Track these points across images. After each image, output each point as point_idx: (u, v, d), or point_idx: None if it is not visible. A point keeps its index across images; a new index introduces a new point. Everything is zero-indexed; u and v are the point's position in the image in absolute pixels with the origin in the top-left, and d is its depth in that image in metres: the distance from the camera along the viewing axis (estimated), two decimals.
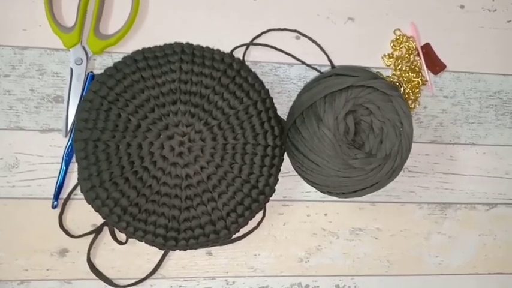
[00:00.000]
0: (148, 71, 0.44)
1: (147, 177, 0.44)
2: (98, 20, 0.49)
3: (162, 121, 0.44)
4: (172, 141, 0.44)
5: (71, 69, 0.49)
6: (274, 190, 0.46)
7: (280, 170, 0.47)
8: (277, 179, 0.46)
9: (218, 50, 0.46)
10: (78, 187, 0.46)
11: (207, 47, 0.46)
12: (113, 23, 0.50)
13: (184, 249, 0.45)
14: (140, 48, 0.46)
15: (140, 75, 0.44)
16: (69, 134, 0.49)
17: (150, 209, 0.44)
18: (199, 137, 0.44)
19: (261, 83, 0.46)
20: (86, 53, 0.49)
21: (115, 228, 0.48)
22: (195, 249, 0.46)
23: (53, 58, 0.49)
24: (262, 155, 0.45)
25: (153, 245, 0.45)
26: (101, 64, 0.50)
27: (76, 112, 0.48)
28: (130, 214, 0.43)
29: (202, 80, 0.44)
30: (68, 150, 0.49)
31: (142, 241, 0.44)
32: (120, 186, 0.43)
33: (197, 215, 0.44)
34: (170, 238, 0.44)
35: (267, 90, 0.47)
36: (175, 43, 0.46)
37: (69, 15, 0.49)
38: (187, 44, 0.46)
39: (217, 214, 0.44)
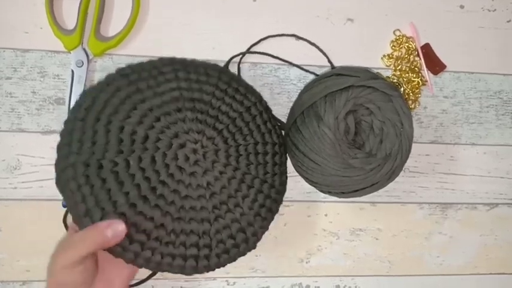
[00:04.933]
0: (143, 83, 0.42)
1: (168, 193, 0.39)
2: (98, 23, 0.50)
3: (170, 129, 0.40)
4: (185, 150, 0.40)
5: (72, 72, 0.49)
6: (285, 189, 0.46)
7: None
8: (287, 177, 0.46)
9: (205, 62, 0.46)
10: None
11: (193, 59, 0.46)
12: (114, 25, 0.51)
13: (214, 269, 0.42)
14: (124, 65, 0.44)
15: (136, 87, 0.41)
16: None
17: (177, 229, 0.39)
18: (212, 142, 0.41)
19: (251, 86, 0.47)
20: (87, 55, 0.49)
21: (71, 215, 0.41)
22: (224, 266, 0.42)
23: (54, 60, 0.50)
24: (272, 153, 0.44)
25: (181, 272, 0.40)
26: (101, 66, 0.50)
27: (62, 134, 0.41)
28: (156, 239, 0.39)
29: (202, 87, 0.43)
30: None
31: (166, 270, 0.40)
32: (140, 207, 0.38)
33: (227, 224, 0.41)
34: (203, 257, 0.40)
35: (259, 93, 0.47)
36: (161, 58, 0.45)
37: (70, 17, 0.50)
38: (174, 58, 0.45)
39: (246, 219, 0.42)
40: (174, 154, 0.40)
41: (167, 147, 0.40)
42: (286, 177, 0.46)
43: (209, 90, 0.43)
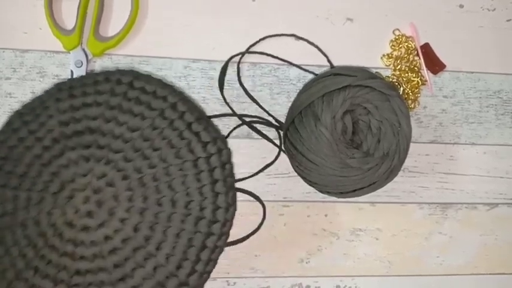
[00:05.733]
0: (24, 129, 0.36)
1: (57, 258, 0.33)
2: (97, 23, 0.50)
3: (54, 182, 0.34)
4: (75, 201, 0.33)
5: (72, 72, 0.49)
6: (235, 208, 0.36)
7: (232, 181, 0.37)
8: (233, 193, 0.36)
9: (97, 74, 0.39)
10: None
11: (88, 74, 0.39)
12: (113, 25, 0.51)
13: None
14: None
15: (17, 136, 0.36)
16: None
17: None
18: (105, 181, 0.33)
19: (169, 84, 0.39)
20: (86, 56, 0.49)
21: None
22: None
23: (53, 61, 0.50)
24: (195, 173, 0.34)
25: None
26: (101, 66, 0.50)
27: None
28: None
29: (86, 113, 0.35)
30: None
31: None
32: (30, 281, 0.33)
33: (137, 283, 0.33)
34: None
35: (180, 90, 0.38)
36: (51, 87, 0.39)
37: (69, 18, 0.50)
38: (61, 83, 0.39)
39: (164, 272, 0.33)
40: (62, 210, 0.33)
41: (51, 205, 0.34)
42: (231, 194, 0.36)
43: (96, 113, 0.35)
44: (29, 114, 0.37)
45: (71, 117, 0.35)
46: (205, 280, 0.35)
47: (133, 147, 0.34)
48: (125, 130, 0.34)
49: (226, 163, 0.36)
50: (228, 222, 0.36)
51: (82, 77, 0.39)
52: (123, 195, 0.33)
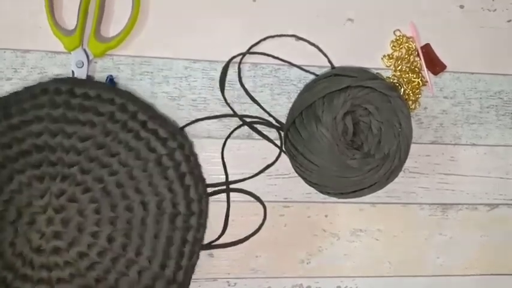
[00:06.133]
0: None
1: (31, 286, 0.31)
2: (98, 23, 0.50)
3: (11, 206, 0.31)
4: (37, 225, 0.31)
5: (73, 72, 0.49)
6: (207, 198, 0.34)
7: (199, 172, 0.35)
8: (202, 183, 0.35)
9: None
10: None
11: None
12: (114, 25, 0.51)
13: None
14: None
15: None
16: None
17: None
18: (66, 199, 0.31)
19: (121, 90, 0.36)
20: (87, 56, 0.49)
21: None
22: None
23: (54, 61, 0.50)
24: (160, 171, 0.32)
25: None
26: (102, 67, 0.50)
27: None
28: None
29: (48, 125, 0.33)
30: None
31: None
32: None
33: None
34: None
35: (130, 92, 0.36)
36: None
37: (70, 18, 0.50)
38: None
39: (149, 275, 0.33)
40: (25, 237, 0.31)
41: (12, 234, 0.31)
42: (204, 185, 0.35)
43: (39, 129, 0.33)
44: None
45: (12, 138, 0.33)
46: (192, 273, 0.35)
47: (88, 157, 0.32)
48: (76, 141, 0.32)
49: (190, 155, 0.35)
50: (203, 213, 0.35)
51: (16, 92, 0.36)
52: (89, 209, 0.31)
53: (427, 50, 0.55)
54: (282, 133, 0.52)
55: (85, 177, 0.31)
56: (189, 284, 0.36)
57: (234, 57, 0.52)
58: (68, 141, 0.32)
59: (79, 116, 0.33)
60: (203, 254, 0.52)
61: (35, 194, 0.31)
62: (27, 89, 0.35)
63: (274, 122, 0.53)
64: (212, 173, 0.50)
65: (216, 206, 0.50)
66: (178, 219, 0.34)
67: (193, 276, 0.52)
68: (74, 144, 0.32)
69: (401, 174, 0.51)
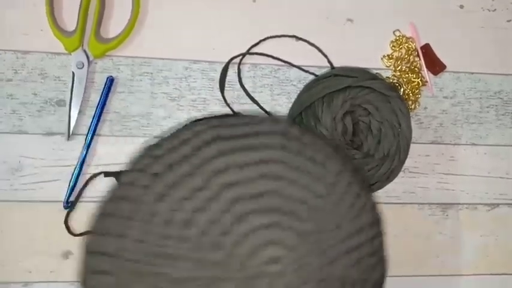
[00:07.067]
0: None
1: None
2: (98, 24, 0.50)
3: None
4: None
5: (73, 73, 0.49)
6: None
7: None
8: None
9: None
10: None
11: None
12: (114, 26, 0.51)
13: None
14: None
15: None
16: (87, 139, 0.50)
17: None
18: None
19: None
20: (87, 57, 0.49)
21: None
22: None
23: (54, 62, 0.50)
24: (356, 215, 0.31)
25: None
26: (102, 68, 0.51)
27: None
28: None
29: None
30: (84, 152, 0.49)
31: None
32: None
33: None
34: None
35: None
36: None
37: (70, 19, 0.50)
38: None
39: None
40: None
41: None
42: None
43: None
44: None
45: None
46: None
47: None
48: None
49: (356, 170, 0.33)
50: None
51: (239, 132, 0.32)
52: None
53: (427, 50, 0.55)
54: None
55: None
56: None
57: (233, 57, 0.52)
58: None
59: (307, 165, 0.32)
60: None
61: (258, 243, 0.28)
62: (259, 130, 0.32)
63: None
64: None
65: None
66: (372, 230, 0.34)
67: None
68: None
69: (401, 174, 0.51)
